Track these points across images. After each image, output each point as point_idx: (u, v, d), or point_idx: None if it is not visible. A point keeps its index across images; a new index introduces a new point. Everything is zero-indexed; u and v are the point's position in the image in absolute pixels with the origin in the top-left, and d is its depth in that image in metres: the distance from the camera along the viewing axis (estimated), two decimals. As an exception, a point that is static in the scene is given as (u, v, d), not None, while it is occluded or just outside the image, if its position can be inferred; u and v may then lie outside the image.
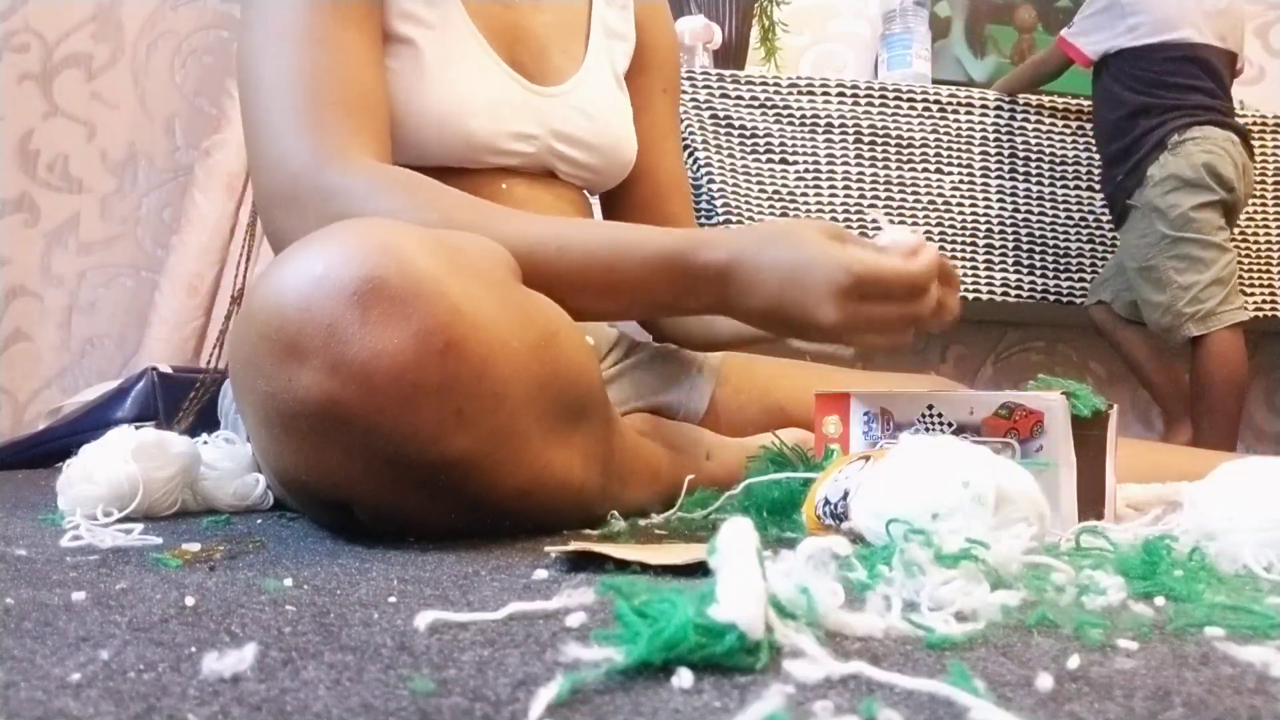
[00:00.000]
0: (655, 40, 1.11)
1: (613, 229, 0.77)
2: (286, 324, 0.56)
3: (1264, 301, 1.99)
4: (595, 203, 1.14)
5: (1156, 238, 1.77)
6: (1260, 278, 2.01)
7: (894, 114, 1.90)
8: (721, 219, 1.76)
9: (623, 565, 0.52)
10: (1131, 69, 1.81)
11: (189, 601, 0.44)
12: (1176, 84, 1.78)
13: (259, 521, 0.78)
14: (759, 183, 1.81)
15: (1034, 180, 1.96)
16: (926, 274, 0.70)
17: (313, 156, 0.75)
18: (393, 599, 0.46)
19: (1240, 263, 1.96)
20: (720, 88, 1.83)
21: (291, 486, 0.66)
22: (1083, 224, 1.98)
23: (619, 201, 1.11)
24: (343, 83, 0.78)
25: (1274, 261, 2.02)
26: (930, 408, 0.74)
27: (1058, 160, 1.98)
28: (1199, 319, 1.73)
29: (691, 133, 1.79)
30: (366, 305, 0.55)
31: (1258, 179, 2.00)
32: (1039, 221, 1.96)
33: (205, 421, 1.17)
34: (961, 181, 1.93)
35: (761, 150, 1.84)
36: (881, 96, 1.90)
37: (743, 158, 1.83)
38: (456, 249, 0.62)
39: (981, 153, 1.94)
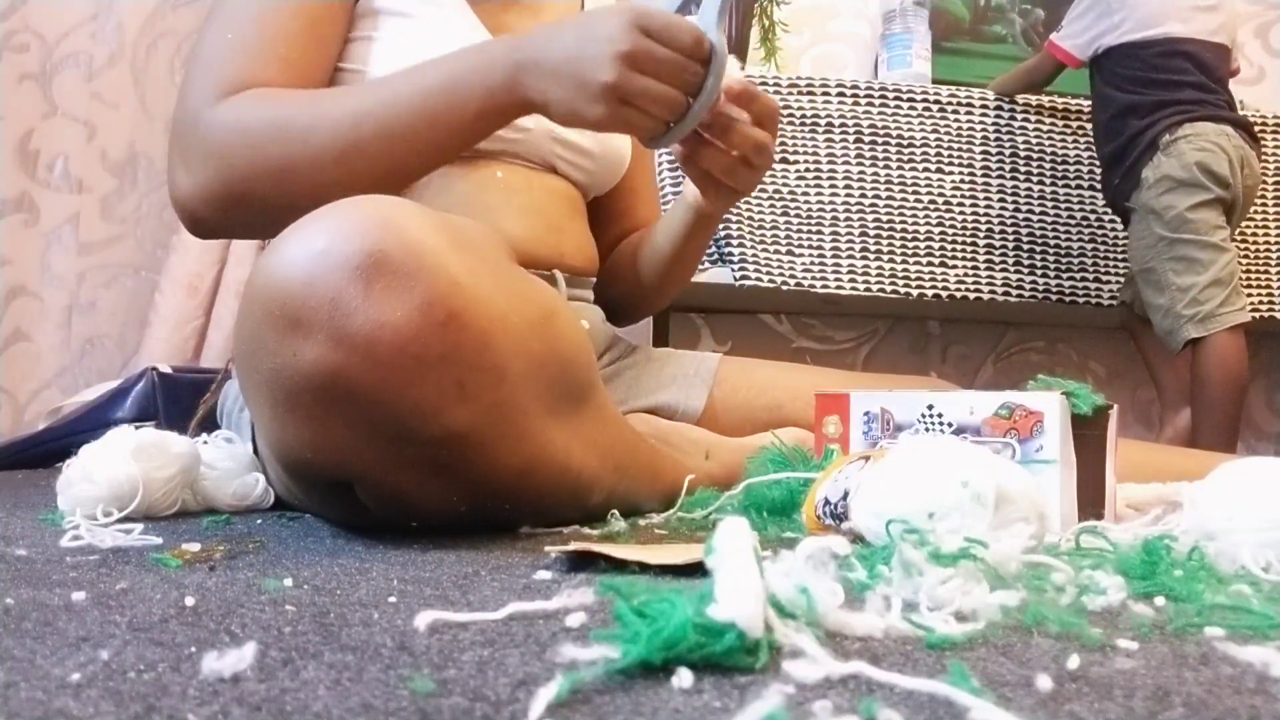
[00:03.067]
0: None
1: (417, 69, 0.82)
2: (290, 298, 0.57)
3: (1260, 302, 1.99)
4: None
5: (1154, 240, 1.76)
6: (1260, 278, 2.01)
7: (894, 114, 1.90)
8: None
9: (622, 565, 0.52)
10: (1119, 68, 1.80)
11: (189, 601, 0.44)
12: (1165, 80, 1.76)
13: (259, 521, 0.78)
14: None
15: (1034, 180, 1.96)
16: (700, 36, 0.75)
17: (200, 104, 0.83)
18: (393, 599, 0.46)
19: (1240, 262, 1.96)
20: (720, 88, 1.83)
21: (295, 468, 0.67)
22: (1084, 223, 1.98)
23: (598, 210, 1.13)
24: (255, 50, 0.85)
25: (1273, 262, 2.02)
26: (930, 408, 0.74)
27: (1058, 160, 1.98)
28: (1198, 321, 1.71)
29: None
30: (369, 278, 0.56)
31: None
32: (1039, 221, 1.96)
33: (204, 422, 1.17)
34: (962, 181, 1.93)
35: (761, 150, 1.84)
36: (881, 96, 1.90)
37: (743, 157, 1.83)
38: (456, 228, 0.63)
39: (982, 152, 1.94)
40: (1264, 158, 2.00)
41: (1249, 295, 1.95)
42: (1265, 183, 2.01)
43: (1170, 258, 1.74)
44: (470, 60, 0.79)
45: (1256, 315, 1.96)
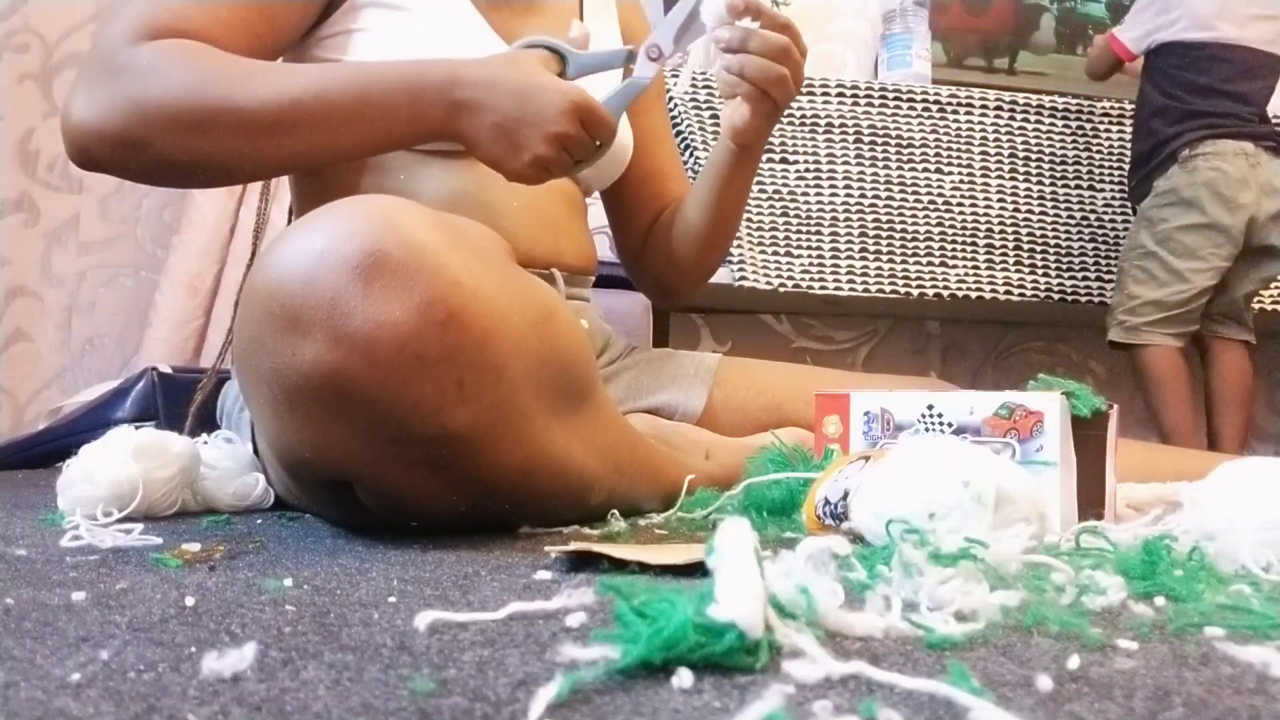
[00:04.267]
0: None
1: (360, 69, 0.82)
2: (289, 298, 0.56)
3: (1276, 300, 1.99)
4: (589, 202, 1.15)
5: (1137, 244, 1.83)
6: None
7: (894, 114, 1.90)
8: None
9: (622, 565, 0.52)
10: (1166, 66, 1.81)
11: (189, 601, 0.44)
12: (1202, 85, 1.77)
13: (259, 521, 0.78)
14: (759, 182, 1.81)
15: (1034, 180, 1.96)
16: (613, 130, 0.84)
17: (120, 37, 0.80)
18: (393, 599, 0.46)
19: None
20: (720, 88, 1.83)
21: (294, 468, 0.67)
22: (1084, 223, 1.98)
23: (626, 201, 1.13)
24: (201, 7, 0.83)
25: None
26: (930, 408, 0.74)
27: (1058, 160, 1.98)
28: (1125, 329, 1.81)
29: (691, 133, 1.79)
30: (368, 278, 0.56)
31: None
32: (1040, 221, 1.96)
33: (204, 422, 1.17)
34: (962, 181, 1.92)
35: (762, 150, 1.84)
36: (881, 96, 1.90)
37: (743, 157, 1.83)
38: (455, 228, 0.63)
39: (982, 152, 1.94)
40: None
41: (1263, 292, 1.97)
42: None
43: (1139, 265, 1.82)
44: (411, 81, 0.80)
45: (1278, 309, 1.97)
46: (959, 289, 1.90)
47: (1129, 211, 1.95)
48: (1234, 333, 1.86)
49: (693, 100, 1.81)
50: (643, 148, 1.11)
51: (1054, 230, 1.96)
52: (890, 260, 1.86)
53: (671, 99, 1.80)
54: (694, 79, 1.82)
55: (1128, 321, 1.81)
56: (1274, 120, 1.90)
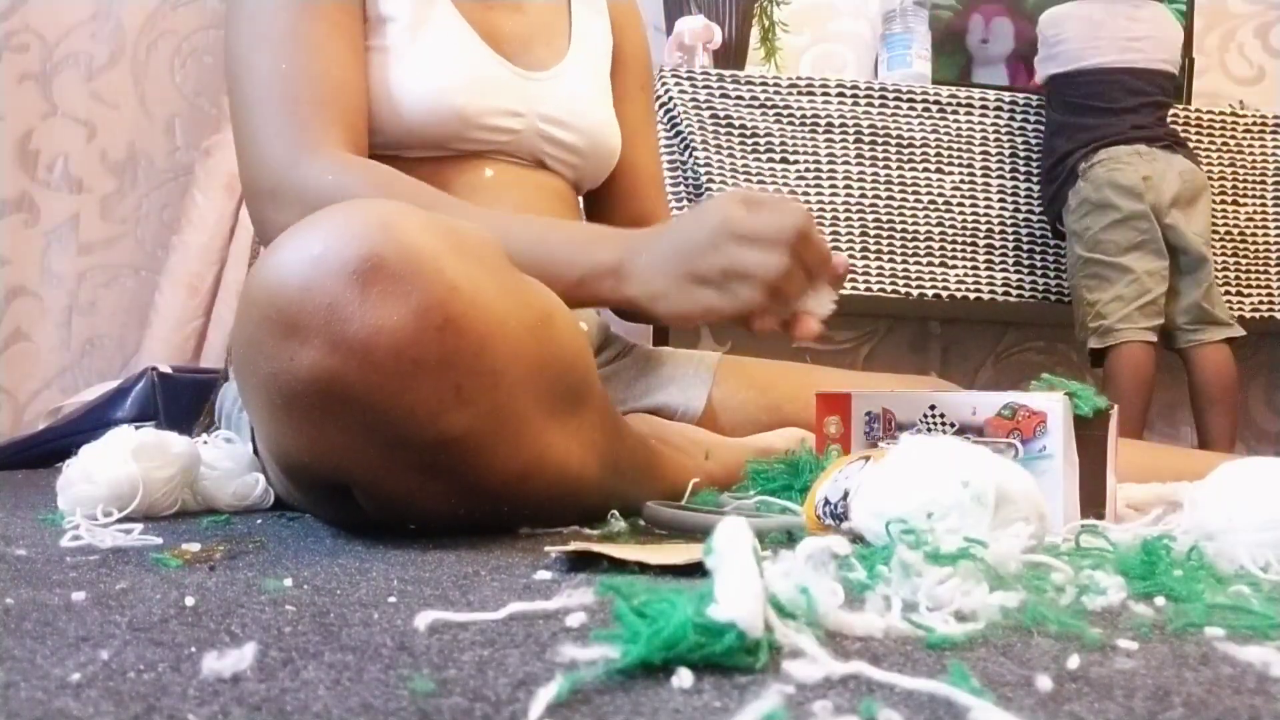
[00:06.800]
0: (629, 41, 1.14)
1: (546, 234, 0.80)
2: (287, 303, 0.56)
3: (1260, 302, 1.99)
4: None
5: (1075, 259, 1.87)
6: (1259, 278, 2.01)
7: (894, 114, 1.90)
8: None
9: (622, 565, 0.52)
10: (1059, 92, 1.92)
11: (189, 601, 0.44)
12: (1092, 107, 1.87)
13: (259, 521, 0.78)
14: (759, 182, 1.81)
15: (1034, 180, 1.96)
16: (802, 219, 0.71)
17: (289, 153, 0.82)
18: (393, 599, 0.46)
19: (1239, 262, 1.99)
20: (720, 88, 1.83)
21: (293, 471, 0.67)
22: (1083, 224, 1.98)
23: (600, 195, 1.12)
24: (317, 81, 0.85)
25: (1273, 261, 2.02)
26: (932, 408, 0.74)
27: (1058, 160, 1.98)
28: (1099, 333, 1.83)
29: (691, 132, 1.79)
30: (366, 283, 0.56)
31: (1257, 179, 2.01)
32: (1039, 221, 1.96)
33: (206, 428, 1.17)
34: (962, 181, 1.93)
35: (762, 150, 1.84)
36: (881, 96, 1.90)
37: (743, 157, 1.83)
38: (453, 230, 0.63)
39: (982, 152, 1.94)
40: (1264, 157, 2.01)
41: (1249, 295, 1.97)
42: (1265, 183, 2.02)
43: (1085, 275, 1.86)
44: (589, 233, 0.82)
45: (1256, 315, 1.97)
46: (959, 289, 1.90)
47: None
48: (1210, 334, 1.86)
49: (693, 100, 1.81)
50: (623, 141, 1.09)
51: (1054, 230, 1.96)
52: (890, 260, 1.86)
53: (671, 99, 1.80)
54: (694, 78, 1.82)
55: (1101, 326, 1.83)
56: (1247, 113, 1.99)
